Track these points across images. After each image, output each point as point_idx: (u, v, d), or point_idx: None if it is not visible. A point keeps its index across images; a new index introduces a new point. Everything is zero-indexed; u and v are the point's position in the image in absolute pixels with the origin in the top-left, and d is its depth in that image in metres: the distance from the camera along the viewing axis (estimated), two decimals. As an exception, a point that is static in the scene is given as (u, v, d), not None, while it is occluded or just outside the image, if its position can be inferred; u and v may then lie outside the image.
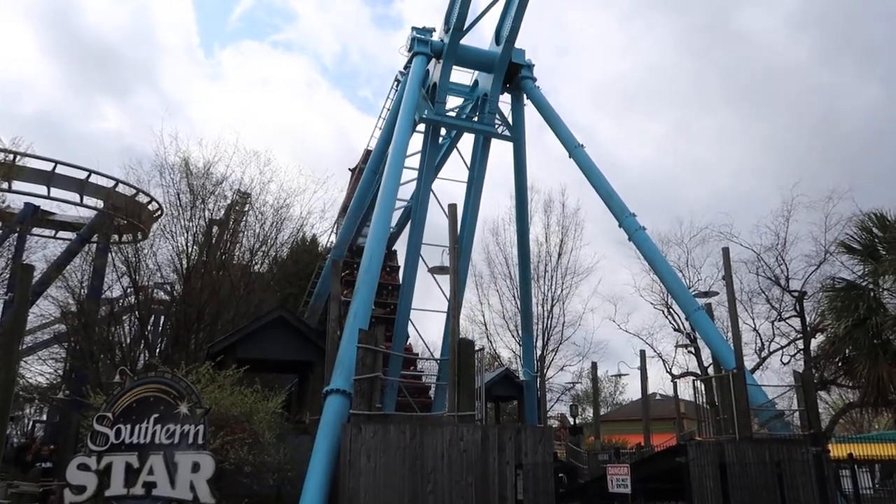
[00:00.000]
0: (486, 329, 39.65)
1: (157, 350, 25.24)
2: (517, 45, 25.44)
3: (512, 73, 25.73)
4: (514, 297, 36.21)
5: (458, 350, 13.58)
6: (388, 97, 28.77)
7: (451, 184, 27.44)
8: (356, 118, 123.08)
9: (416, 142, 25.91)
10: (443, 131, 26.10)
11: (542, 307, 36.60)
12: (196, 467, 9.56)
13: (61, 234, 33.96)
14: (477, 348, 14.46)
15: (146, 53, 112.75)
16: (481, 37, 27.92)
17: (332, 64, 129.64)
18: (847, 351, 16.19)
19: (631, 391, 59.03)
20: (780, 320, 26.55)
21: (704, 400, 17.75)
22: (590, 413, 45.76)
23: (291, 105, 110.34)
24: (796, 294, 25.16)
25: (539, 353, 34.23)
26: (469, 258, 26.13)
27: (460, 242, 24.41)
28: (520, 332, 31.05)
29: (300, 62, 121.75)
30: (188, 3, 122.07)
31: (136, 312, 25.30)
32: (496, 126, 25.62)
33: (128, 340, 25.57)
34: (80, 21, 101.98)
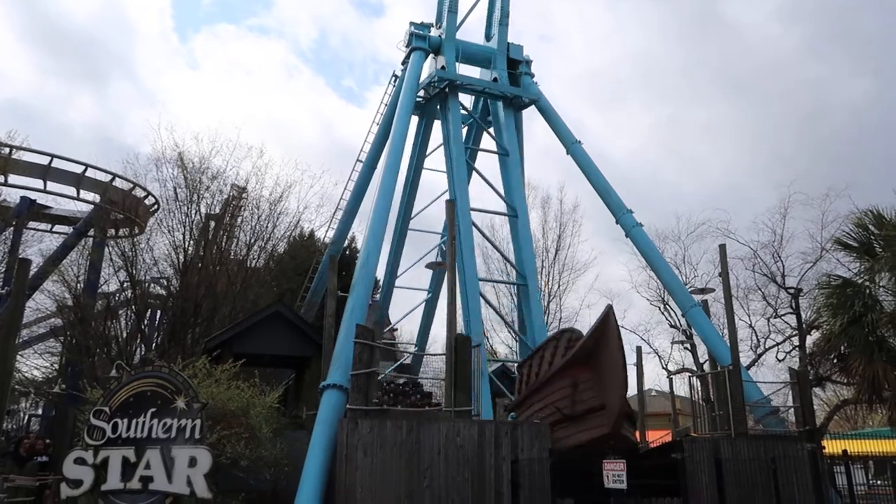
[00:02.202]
0: (483, 324, 39.60)
1: (154, 345, 25.22)
2: (515, 43, 25.66)
3: (510, 68, 25.82)
4: (510, 292, 36.20)
5: (456, 346, 13.59)
6: (385, 92, 28.74)
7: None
8: (341, 108, 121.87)
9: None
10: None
11: (539, 303, 36.58)
12: (193, 462, 9.58)
13: (57, 227, 33.87)
14: (474, 344, 14.47)
15: (120, 39, 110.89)
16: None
17: (314, 51, 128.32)
18: (842, 348, 16.23)
19: (627, 387, 58.98)
20: (776, 317, 26.65)
21: (700, 396, 17.82)
22: (586, 409, 45.79)
23: (273, 94, 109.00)
24: (792, 291, 25.25)
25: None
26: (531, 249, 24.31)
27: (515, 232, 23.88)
28: (516, 327, 31.04)
29: (279, 49, 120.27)
30: None
31: (133, 307, 25.28)
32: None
33: (124, 335, 25.56)
34: (51, 5, 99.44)
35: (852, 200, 25.47)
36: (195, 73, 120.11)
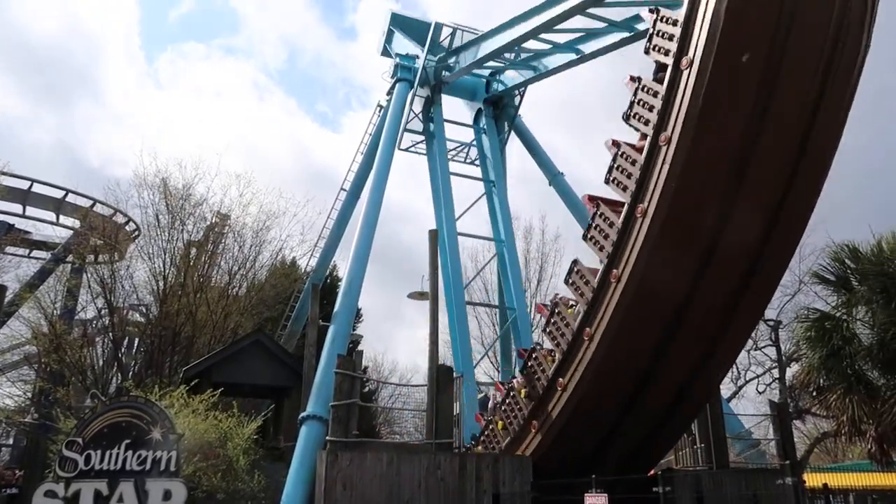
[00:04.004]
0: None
1: (131, 373, 24.81)
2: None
3: (495, 100, 26.36)
4: (492, 322, 36.14)
5: (437, 376, 13.51)
6: (370, 122, 29.01)
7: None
8: (316, 132, 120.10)
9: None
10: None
11: (521, 333, 36.52)
12: (167, 495, 9.38)
13: (36, 253, 33.43)
14: (455, 375, 14.40)
15: (86, 57, 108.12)
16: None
17: (284, 73, 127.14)
18: (821, 381, 16.34)
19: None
20: (756, 349, 26.83)
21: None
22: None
23: (246, 116, 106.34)
24: (772, 323, 25.46)
25: (518, 379, 34.05)
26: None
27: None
28: (498, 358, 30.99)
29: (249, 69, 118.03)
30: (128, 2, 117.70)
31: (110, 334, 24.90)
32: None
33: (100, 363, 25.12)
34: (13, 22, 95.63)
35: (828, 234, 25.87)
36: (164, 93, 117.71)
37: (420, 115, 25.93)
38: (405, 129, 25.61)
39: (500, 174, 25.02)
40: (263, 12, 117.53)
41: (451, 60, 24.51)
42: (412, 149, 27.45)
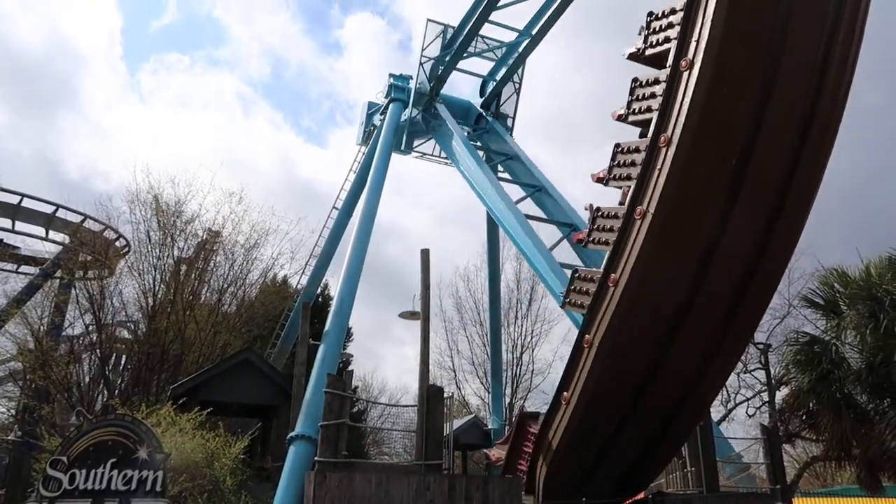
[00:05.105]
0: (455, 375, 39.33)
1: (117, 390, 24.54)
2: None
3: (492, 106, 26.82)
4: (483, 343, 36.11)
5: (427, 397, 13.43)
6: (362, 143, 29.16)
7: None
8: (301, 146, 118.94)
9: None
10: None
11: (512, 354, 36.52)
12: (152, 516, 9.26)
13: (24, 268, 33.15)
14: (445, 395, 14.32)
15: (68, 68, 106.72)
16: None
17: (271, 87, 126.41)
18: (811, 404, 16.37)
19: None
20: (745, 372, 26.88)
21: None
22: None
23: (231, 130, 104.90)
24: (761, 346, 25.55)
25: (508, 400, 34.02)
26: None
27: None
28: (489, 378, 30.91)
29: (232, 82, 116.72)
30: (110, 12, 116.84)
31: (97, 351, 24.67)
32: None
33: (87, 380, 24.86)
34: None
35: (817, 259, 26.09)
36: (147, 104, 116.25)
37: (421, 117, 26.15)
38: (408, 133, 26.17)
39: (515, 150, 25.35)
40: (247, 24, 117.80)
41: (447, 57, 24.88)
42: (416, 148, 27.77)
